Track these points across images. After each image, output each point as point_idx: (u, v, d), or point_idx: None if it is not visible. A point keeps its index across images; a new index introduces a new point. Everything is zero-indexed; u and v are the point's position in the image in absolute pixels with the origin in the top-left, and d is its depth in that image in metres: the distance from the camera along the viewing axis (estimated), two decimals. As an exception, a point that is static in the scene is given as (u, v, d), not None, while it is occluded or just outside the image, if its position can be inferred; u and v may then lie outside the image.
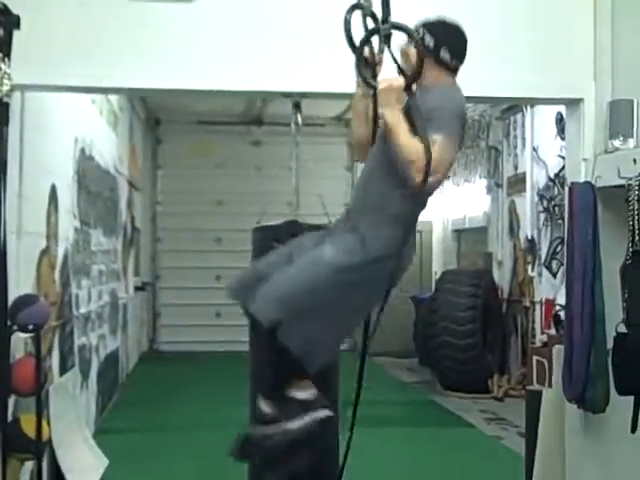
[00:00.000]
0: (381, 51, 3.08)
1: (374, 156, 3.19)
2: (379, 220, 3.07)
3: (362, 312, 3.22)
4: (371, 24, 3.04)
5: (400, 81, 3.01)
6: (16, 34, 2.97)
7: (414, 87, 3.02)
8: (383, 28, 3.01)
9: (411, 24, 3.12)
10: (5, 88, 2.80)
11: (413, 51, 3.07)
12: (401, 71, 3.05)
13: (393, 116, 2.97)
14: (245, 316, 3.16)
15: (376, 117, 3.13)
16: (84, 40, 4.19)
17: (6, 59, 2.82)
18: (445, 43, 3.18)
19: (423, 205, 3.19)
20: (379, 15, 3.05)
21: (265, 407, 3.20)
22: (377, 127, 3.17)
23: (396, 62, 3.07)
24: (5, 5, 2.87)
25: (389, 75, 3.07)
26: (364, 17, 3.05)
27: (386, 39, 3.03)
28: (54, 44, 4.14)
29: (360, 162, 3.40)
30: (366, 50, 3.06)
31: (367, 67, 3.08)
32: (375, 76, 3.06)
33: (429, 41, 3.15)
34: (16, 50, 3.33)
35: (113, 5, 4.23)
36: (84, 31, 4.20)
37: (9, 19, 2.84)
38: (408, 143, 2.91)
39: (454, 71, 3.24)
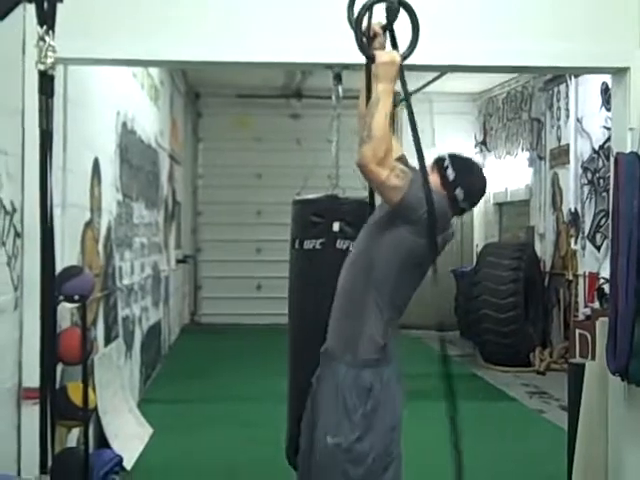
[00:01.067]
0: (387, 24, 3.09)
1: (350, 265, 3.19)
2: (353, 364, 3.09)
3: None
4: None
5: (397, 56, 3.02)
6: (59, 7, 2.99)
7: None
8: (390, 1, 3.02)
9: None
10: (50, 61, 2.82)
11: (431, 176, 3.06)
12: (395, 47, 3.07)
13: (387, 90, 2.96)
14: None
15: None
16: (125, 13, 4.21)
17: (50, 32, 2.84)
18: (464, 183, 3.16)
19: (401, 310, 3.21)
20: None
21: None
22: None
23: (393, 37, 3.08)
24: (49, -22, 2.89)
25: (387, 48, 3.08)
26: None
27: (389, 13, 3.05)
28: (95, 17, 4.16)
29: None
30: (365, 22, 3.07)
31: (365, 38, 3.09)
32: (365, 48, 3.07)
33: (450, 174, 3.14)
34: (58, 23, 3.35)
35: (153, -22, 4.24)
36: (125, 4, 4.21)
37: (53, -8, 2.87)
38: (382, 125, 2.90)
39: (457, 212, 3.22)
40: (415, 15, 3.08)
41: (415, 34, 3.09)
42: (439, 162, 3.20)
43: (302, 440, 3.29)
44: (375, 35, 3.16)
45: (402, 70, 3.04)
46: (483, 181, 3.31)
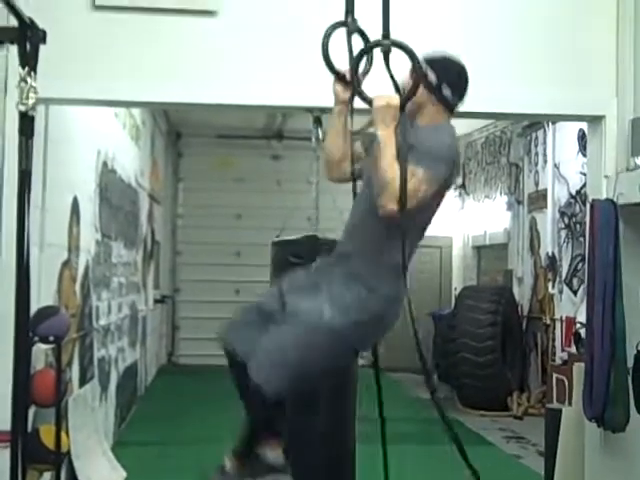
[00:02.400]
0: (366, 69, 3.09)
1: (366, 197, 3.15)
2: (377, 273, 3.05)
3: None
4: (356, 42, 3.05)
5: (395, 99, 3.00)
6: (41, 47, 3.00)
7: (408, 109, 3.02)
8: (384, 44, 3.00)
9: (414, 44, 3.13)
10: (31, 102, 2.82)
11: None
12: (397, 89, 3.05)
13: (387, 135, 2.94)
14: (229, 365, 3.16)
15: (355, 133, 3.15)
16: (106, 54, 4.25)
17: (32, 73, 2.85)
18: (447, 80, 3.15)
19: (419, 238, 3.17)
20: (369, 32, 3.07)
21: (228, 462, 3.22)
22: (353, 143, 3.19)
23: (393, 79, 3.05)
24: (32, 20, 2.90)
25: (382, 92, 3.05)
26: (349, 35, 3.05)
27: (385, 55, 3.03)
28: (77, 58, 4.20)
29: (330, 179, 3.37)
30: (347, 67, 3.05)
31: (350, 84, 3.07)
32: (362, 92, 3.05)
33: (432, 77, 3.12)
34: (40, 63, 3.36)
35: (135, 19, 4.29)
36: (107, 45, 4.25)
37: (36, 34, 2.87)
38: (390, 168, 2.89)
39: (452, 109, 3.21)
40: (415, 56, 3.01)
41: (416, 77, 3.01)
42: (417, 70, 3.08)
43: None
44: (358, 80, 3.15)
45: (403, 113, 3.00)
46: (464, 71, 3.25)
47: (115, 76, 4.24)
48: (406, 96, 3.02)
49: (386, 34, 3.00)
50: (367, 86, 3.08)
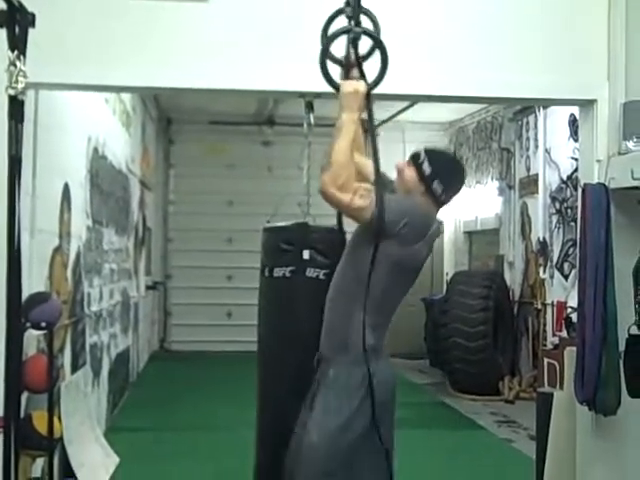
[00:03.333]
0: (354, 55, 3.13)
1: (338, 277, 3.22)
2: (345, 364, 3.11)
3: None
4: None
5: (362, 86, 3.04)
6: (30, 32, 2.98)
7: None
8: (354, 30, 3.04)
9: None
10: (20, 86, 2.81)
11: (408, 172, 3.14)
12: (363, 75, 3.09)
13: (350, 120, 2.99)
14: None
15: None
16: (97, 38, 4.21)
17: (21, 57, 2.83)
18: (441, 176, 3.19)
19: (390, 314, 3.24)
20: (367, 22, 3.10)
21: None
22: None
23: (359, 63, 3.10)
24: (21, 3, 2.88)
25: (352, 79, 3.10)
26: (349, 20, 3.09)
27: (354, 41, 3.08)
28: (67, 42, 4.16)
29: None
30: (338, 51, 3.10)
31: (342, 67, 3.12)
32: (331, 78, 3.10)
33: (426, 168, 3.17)
34: (30, 48, 3.34)
35: (126, 3, 4.25)
36: (97, 29, 4.21)
37: (24, 17, 2.85)
38: (342, 151, 2.93)
39: (440, 205, 3.26)
40: (383, 46, 3.10)
41: (383, 65, 3.11)
42: (415, 157, 3.22)
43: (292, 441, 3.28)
44: (351, 66, 3.17)
45: (369, 99, 3.06)
46: (461, 172, 3.34)
47: (106, 61, 4.21)
48: (372, 83, 3.07)
49: (357, 21, 3.04)
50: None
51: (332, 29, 3.19)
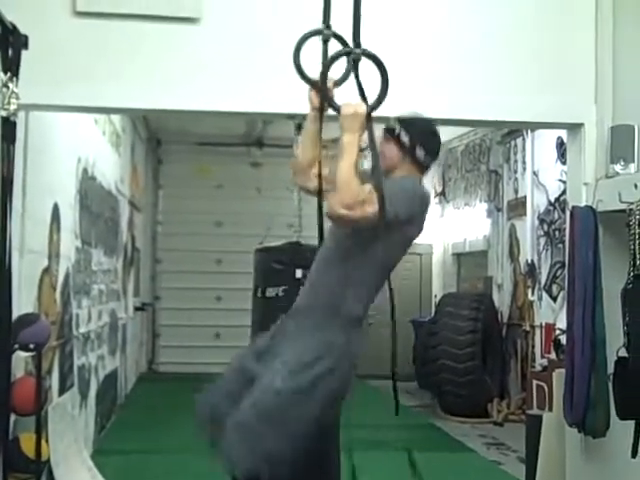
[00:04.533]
0: (343, 77, 3.13)
1: (328, 253, 3.20)
2: (331, 326, 3.07)
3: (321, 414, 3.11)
4: (332, 49, 3.10)
5: (363, 107, 3.05)
6: (23, 54, 3.00)
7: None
8: (355, 52, 3.05)
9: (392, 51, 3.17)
10: (13, 107, 2.82)
11: (390, 148, 3.15)
12: (364, 97, 3.10)
13: (352, 142, 2.99)
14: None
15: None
16: (87, 61, 4.24)
17: (14, 79, 2.84)
18: (420, 141, 3.21)
19: (374, 296, 3.20)
20: (346, 39, 3.10)
21: None
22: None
23: (361, 88, 3.10)
24: (14, 25, 2.89)
25: (350, 100, 3.10)
26: (325, 42, 3.10)
27: (355, 63, 3.09)
28: (58, 64, 4.18)
29: (298, 185, 3.42)
30: (319, 74, 3.10)
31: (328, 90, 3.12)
32: (331, 100, 3.11)
33: (404, 138, 3.19)
34: (22, 70, 3.35)
35: (117, 26, 4.28)
36: (88, 51, 4.24)
37: (18, 39, 2.87)
38: (347, 173, 2.94)
39: (426, 168, 3.28)
40: (384, 67, 3.10)
41: (384, 86, 3.10)
42: (390, 132, 3.21)
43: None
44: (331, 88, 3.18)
45: (370, 121, 3.06)
46: (435, 131, 3.33)
47: (96, 83, 4.23)
48: (373, 105, 3.08)
49: (357, 43, 3.04)
50: (341, 94, 3.11)
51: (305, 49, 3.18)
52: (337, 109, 3.08)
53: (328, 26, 3.10)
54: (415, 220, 3.16)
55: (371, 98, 3.11)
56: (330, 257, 3.17)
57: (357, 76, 3.11)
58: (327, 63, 3.07)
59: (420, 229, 3.22)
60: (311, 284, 3.21)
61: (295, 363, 3.02)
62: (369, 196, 2.97)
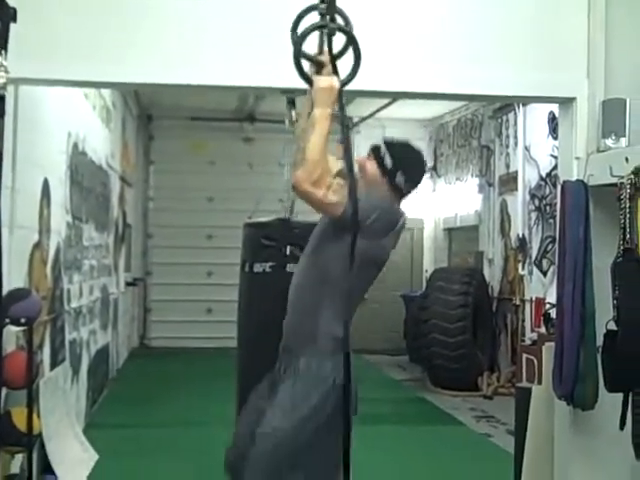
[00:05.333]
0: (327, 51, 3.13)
1: (303, 268, 3.25)
2: (311, 356, 3.14)
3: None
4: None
5: (335, 81, 3.05)
6: (12, 27, 2.96)
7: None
8: (329, 26, 3.04)
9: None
10: (2, 81, 2.79)
11: (369, 166, 3.16)
12: (336, 71, 3.09)
13: (323, 115, 2.99)
14: None
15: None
16: (77, 35, 4.19)
17: (2, 52, 2.81)
18: (403, 168, 3.22)
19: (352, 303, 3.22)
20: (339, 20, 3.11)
21: None
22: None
23: (334, 62, 3.10)
24: (1, -2, 2.87)
25: (326, 74, 3.10)
26: (321, 17, 3.09)
27: (329, 37, 3.08)
28: (48, 38, 4.14)
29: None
30: (311, 48, 3.11)
31: (316, 64, 3.13)
32: (305, 72, 3.12)
33: (388, 162, 3.20)
34: (11, 43, 3.32)
35: (108, -1, 4.24)
36: (78, 25, 4.19)
37: (6, 12, 2.83)
38: (315, 147, 2.94)
39: (402, 196, 3.28)
40: (356, 42, 3.10)
41: (356, 61, 3.10)
42: (375, 151, 3.23)
43: (241, 427, 3.30)
44: (322, 64, 3.18)
45: (341, 95, 3.07)
46: (421, 162, 3.36)
47: (86, 57, 4.19)
48: (345, 80, 3.07)
49: (332, 17, 3.04)
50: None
51: (303, 26, 3.18)
52: (310, 81, 3.07)
53: (323, 1, 3.08)
54: (379, 237, 3.14)
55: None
56: (305, 271, 3.22)
57: (330, 50, 3.10)
58: (300, 36, 3.07)
59: (383, 253, 3.20)
60: (290, 304, 3.27)
61: (282, 406, 3.12)
62: (337, 187, 2.98)
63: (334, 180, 3.05)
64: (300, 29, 3.13)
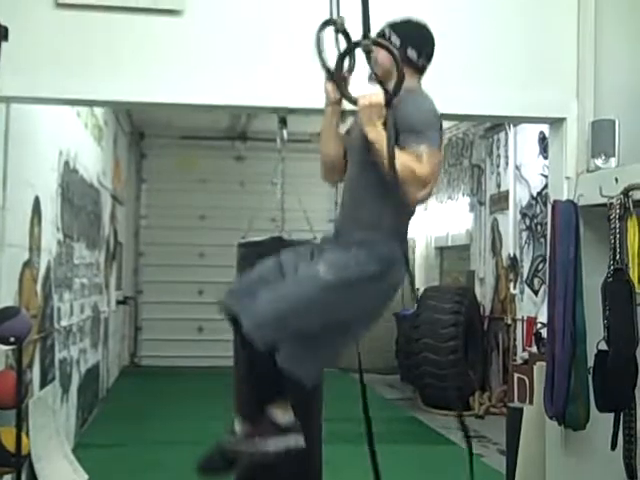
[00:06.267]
0: (351, 68, 3.10)
1: (357, 173, 3.15)
2: (374, 237, 3.02)
3: (359, 327, 3.17)
4: (343, 41, 3.05)
5: (380, 97, 2.99)
6: (3, 45, 2.97)
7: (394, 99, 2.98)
8: (364, 43, 3.02)
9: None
10: (-8, 99, 2.80)
11: (382, 55, 3.04)
12: (382, 86, 3.02)
13: (376, 133, 2.94)
14: (234, 332, 3.13)
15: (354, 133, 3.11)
16: (69, 53, 4.20)
17: (-7, 70, 2.82)
18: (411, 42, 3.19)
19: (413, 214, 3.18)
20: (352, 32, 3.07)
21: (239, 425, 3.19)
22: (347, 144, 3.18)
23: (377, 79, 3.04)
24: (-7, 16, 2.87)
25: (363, 91, 3.06)
26: (336, 33, 3.06)
27: (367, 55, 3.02)
28: (39, 56, 4.15)
29: (328, 182, 3.40)
30: (335, 67, 3.04)
31: (343, 83, 3.09)
32: (346, 92, 3.06)
33: (395, 40, 3.15)
34: (2, 61, 3.33)
35: (99, 18, 4.25)
36: (70, 43, 4.21)
37: (-3, 30, 2.85)
38: (404, 161, 2.88)
39: (421, 71, 3.23)
40: (395, 55, 3.03)
41: (400, 73, 2.97)
42: (380, 37, 3.14)
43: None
44: (345, 80, 3.13)
45: (390, 109, 2.97)
46: (428, 33, 3.29)
47: (78, 75, 4.20)
48: (392, 93, 2.98)
49: (366, 33, 3.01)
50: (355, 86, 3.08)
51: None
52: (354, 101, 3.04)
53: (339, 15, 3.05)
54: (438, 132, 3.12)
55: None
56: (364, 172, 3.09)
57: (372, 67, 3.02)
58: (339, 57, 3.03)
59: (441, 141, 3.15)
60: (346, 203, 3.16)
61: (336, 262, 2.99)
62: (430, 161, 2.93)
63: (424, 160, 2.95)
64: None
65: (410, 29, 3.26)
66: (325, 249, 3.13)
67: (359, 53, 3.05)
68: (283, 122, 4.27)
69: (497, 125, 10.13)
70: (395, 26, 3.22)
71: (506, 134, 10.08)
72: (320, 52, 3.05)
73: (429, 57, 3.26)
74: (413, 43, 3.20)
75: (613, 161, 4.34)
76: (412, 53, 3.18)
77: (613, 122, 4.36)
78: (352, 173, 3.20)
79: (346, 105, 3.12)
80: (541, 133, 8.73)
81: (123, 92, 4.34)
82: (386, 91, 2.97)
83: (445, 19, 4.55)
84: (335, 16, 3.06)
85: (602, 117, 4.44)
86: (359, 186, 3.15)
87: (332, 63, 3.07)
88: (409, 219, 3.16)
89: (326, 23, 3.08)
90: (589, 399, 4.18)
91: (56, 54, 4.17)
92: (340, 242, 3.10)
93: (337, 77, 3.06)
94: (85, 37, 4.22)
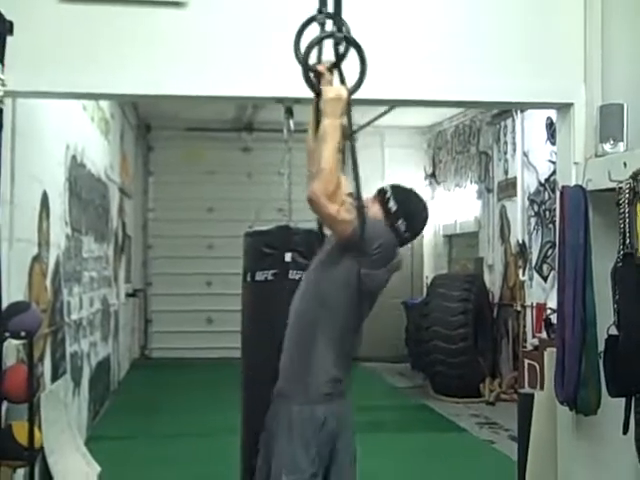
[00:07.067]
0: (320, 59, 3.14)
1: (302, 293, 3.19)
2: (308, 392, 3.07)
3: None
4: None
5: (346, 92, 3.04)
6: (8, 40, 2.97)
7: None
8: (337, 35, 3.04)
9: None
10: (-1, 94, 2.80)
11: (373, 207, 3.14)
12: (343, 81, 3.10)
13: (334, 126, 2.98)
14: None
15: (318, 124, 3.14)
16: (75, 46, 4.20)
17: (0, 65, 2.82)
18: (405, 215, 3.19)
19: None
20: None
21: None
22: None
23: (340, 72, 3.10)
24: (-2, 11, 2.87)
25: (335, 84, 3.11)
26: (322, 27, 3.11)
27: (335, 47, 3.09)
28: (45, 50, 4.14)
29: (311, 172, 3.43)
30: (314, 58, 3.11)
31: (314, 74, 3.14)
32: (310, 81, 3.12)
33: (392, 206, 3.17)
34: (8, 56, 3.33)
35: (103, 11, 4.24)
36: (74, 37, 4.20)
37: (2, 25, 2.84)
38: (330, 158, 2.92)
39: (401, 243, 3.23)
40: (362, 51, 3.12)
41: (362, 69, 3.13)
42: (381, 194, 3.21)
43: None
44: (321, 73, 3.19)
45: (349, 105, 3.07)
46: (425, 212, 3.32)
47: (83, 69, 4.20)
48: (352, 88, 3.08)
49: (339, 27, 3.05)
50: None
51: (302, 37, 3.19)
52: (318, 92, 3.08)
53: (321, 11, 3.10)
54: (377, 267, 3.09)
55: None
56: (305, 295, 3.16)
57: (338, 59, 3.11)
58: (307, 49, 3.08)
59: (378, 285, 3.15)
60: (287, 335, 3.19)
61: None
62: (349, 206, 2.98)
63: (347, 199, 3.03)
64: (301, 41, 3.13)
65: (410, 203, 3.25)
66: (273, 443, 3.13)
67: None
68: (289, 112, 4.26)
69: (504, 112, 10.09)
70: (397, 192, 3.22)
71: (513, 121, 10.04)
72: (297, 44, 3.12)
73: (414, 236, 3.27)
74: (406, 217, 3.19)
75: (621, 145, 4.31)
76: (402, 225, 3.18)
77: (622, 106, 4.33)
78: (299, 291, 3.21)
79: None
80: (548, 119, 8.69)
81: (129, 85, 4.33)
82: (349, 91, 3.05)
83: (453, 5, 4.54)
84: (317, 13, 3.11)
85: (610, 101, 4.41)
86: (300, 308, 3.17)
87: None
88: (347, 348, 3.16)
89: (310, 20, 3.15)
90: (600, 384, 4.17)
91: (61, 48, 4.16)
92: (281, 414, 3.11)
93: (304, 68, 3.10)
94: (90, 30, 4.21)
